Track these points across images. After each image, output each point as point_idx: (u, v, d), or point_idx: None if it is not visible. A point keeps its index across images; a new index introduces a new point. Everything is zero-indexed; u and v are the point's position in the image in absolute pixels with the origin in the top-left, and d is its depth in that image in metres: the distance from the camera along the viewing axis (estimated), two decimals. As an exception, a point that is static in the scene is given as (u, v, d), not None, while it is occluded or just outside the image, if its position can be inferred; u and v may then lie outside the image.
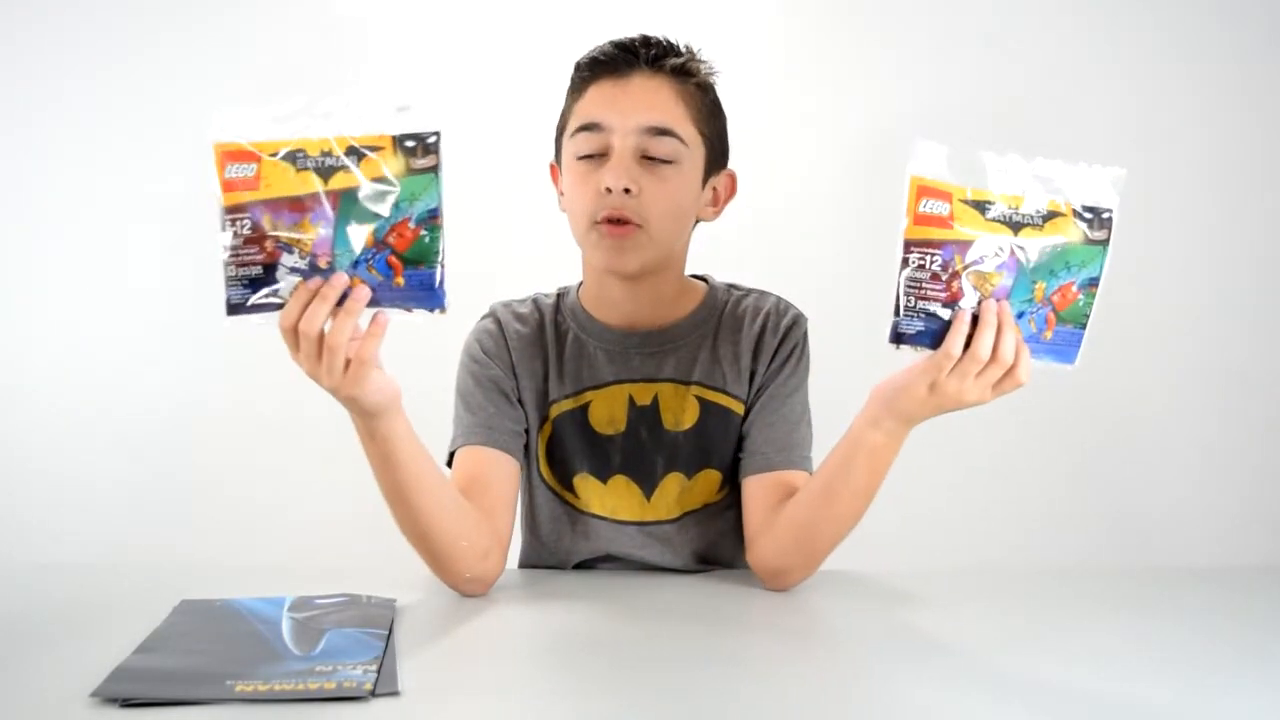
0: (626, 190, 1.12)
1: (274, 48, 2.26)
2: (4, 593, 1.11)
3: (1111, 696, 0.83)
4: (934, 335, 0.95)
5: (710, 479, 1.22)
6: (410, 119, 0.88)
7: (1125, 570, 1.30)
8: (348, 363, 0.91)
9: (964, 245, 0.93)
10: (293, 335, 0.90)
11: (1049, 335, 0.96)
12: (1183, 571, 1.30)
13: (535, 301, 1.28)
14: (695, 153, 1.17)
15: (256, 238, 0.88)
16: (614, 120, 1.14)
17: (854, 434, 1.06)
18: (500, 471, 1.17)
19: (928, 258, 0.93)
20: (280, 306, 0.89)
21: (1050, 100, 2.30)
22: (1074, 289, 0.95)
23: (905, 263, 0.93)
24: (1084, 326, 0.96)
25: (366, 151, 0.88)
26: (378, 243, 0.89)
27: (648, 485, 1.22)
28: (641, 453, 1.21)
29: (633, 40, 1.17)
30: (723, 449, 1.22)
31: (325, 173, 0.88)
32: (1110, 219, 0.94)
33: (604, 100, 1.15)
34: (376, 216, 0.88)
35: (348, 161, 0.88)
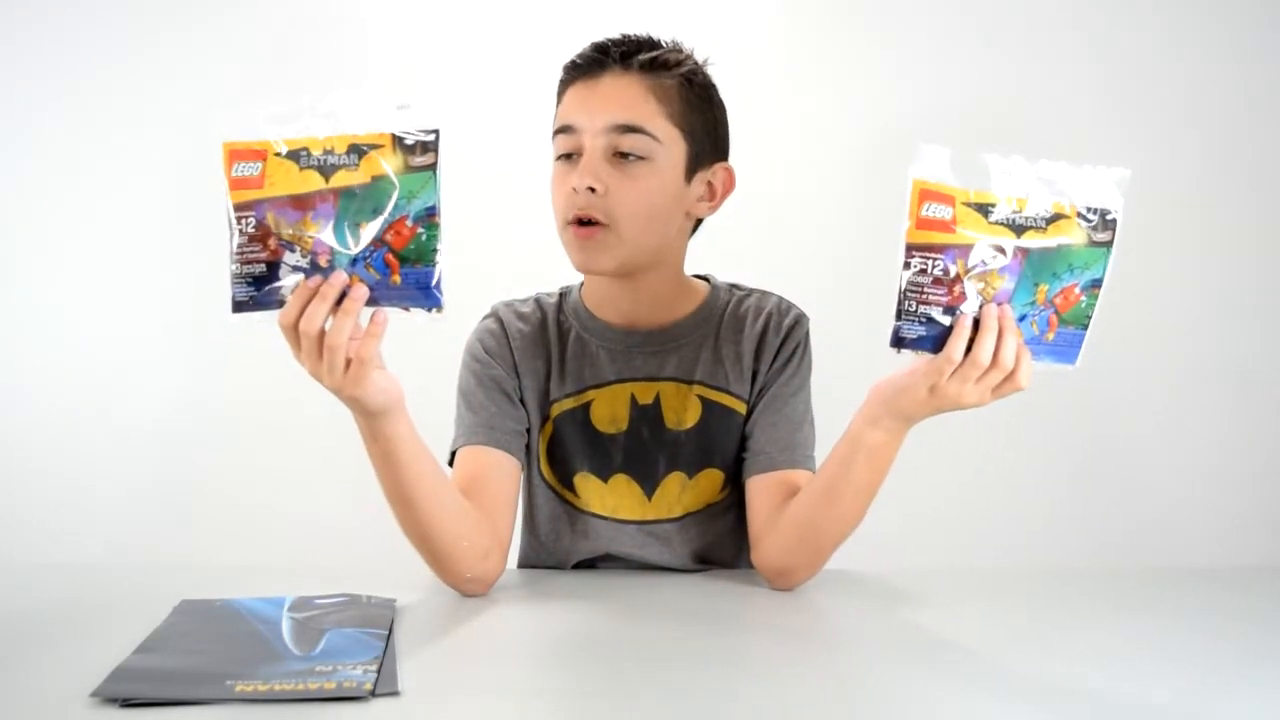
0: (592, 190, 1.12)
1: (274, 48, 2.26)
2: (4, 593, 1.11)
3: (1112, 696, 0.83)
4: (935, 340, 0.95)
5: (712, 479, 1.22)
6: (409, 117, 0.88)
7: (1125, 570, 1.30)
8: (348, 362, 0.91)
9: (966, 249, 0.93)
10: (294, 334, 0.90)
11: (1051, 337, 0.96)
12: (1183, 571, 1.30)
13: (538, 301, 1.28)
14: (672, 148, 1.16)
15: (260, 235, 0.89)
16: (584, 121, 1.14)
17: (853, 433, 1.06)
18: (501, 471, 1.17)
19: (930, 262, 0.93)
20: (283, 304, 0.90)
21: (1050, 100, 2.30)
22: (1077, 290, 0.95)
23: (907, 266, 0.93)
24: (1086, 327, 0.96)
25: (367, 149, 0.88)
26: (375, 240, 0.89)
27: (649, 484, 1.22)
28: (643, 452, 1.21)
29: (609, 40, 1.18)
30: (725, 449, 1.22)
31: (327, 170, 0.88)
32: (1114, 220, 0.94)
33: (577, 102, 1.16)
34: (375, 214, 0.88)
35: (348, 159, 0.88)
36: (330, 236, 0.89)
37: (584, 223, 1.13)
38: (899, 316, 0.94)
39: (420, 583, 1.10)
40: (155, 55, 2.27)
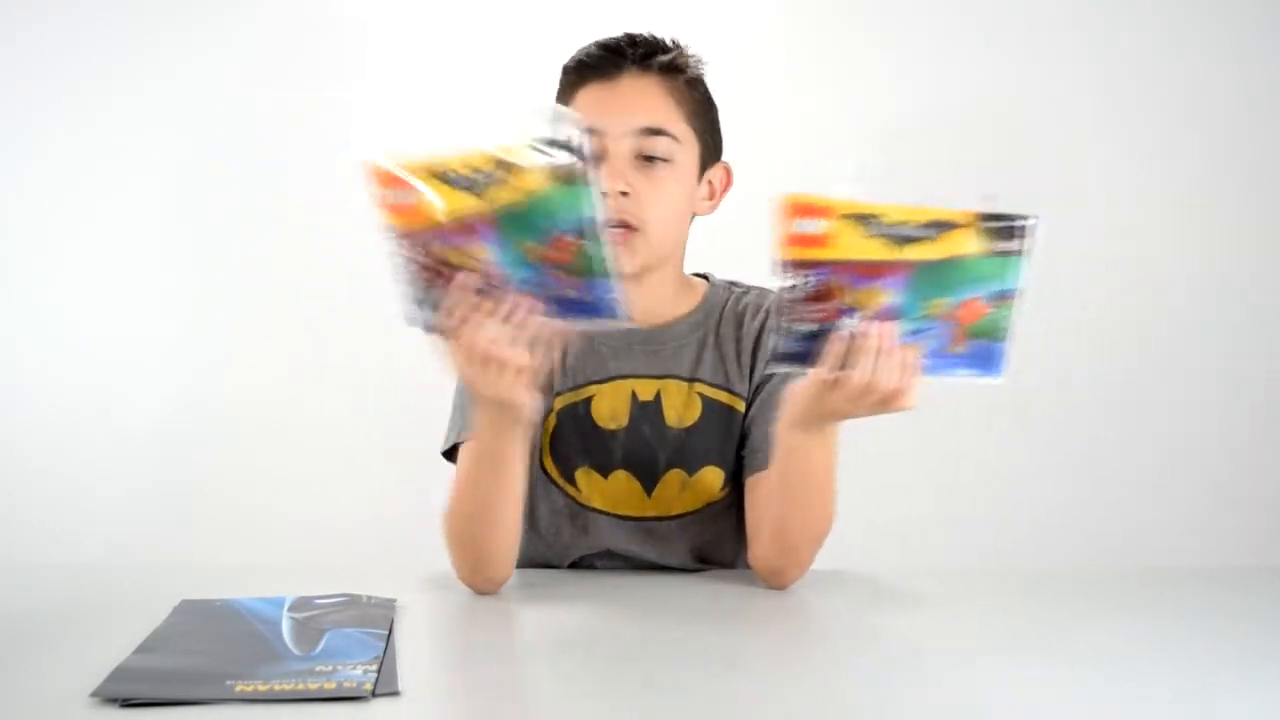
0: (623, 194, 1.12)
1: (274, 48, 2.26)
2: (4, 593, 1.11)
3: (1112, 696, 0.83)
4: (808, 357, 0.94)
5: (712, 477, 1.22)
6: (559, 128, 0.86)
7: (1125, 570, 1.30)
8: (510, 371, 0.94)
9: (842, 264, 0.90)
10: (460, 347, 0.94)
11: (960, 350, 0.94)
12: (1183, 571, 1.30)
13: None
14: (689, 149, 1.17)
15: (432, 265, 0.92)
16: (606, 123, 1.13)
17: (779, 435, 1.07)
18: None
19: (802, 279, 0.91)
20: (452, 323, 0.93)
21: (1050, 100, 2.30)
22: (981, 303, 0.92)
23: (782, 283, 0.91)
24: (1003, 339, 0.94)
25: (514, 164, 0.87)
26: (541, 254, 0.90)
27: (649, 481, 1.22)
28: (643, 448, 1.22)
29: (618, 40, 1.18)
30: (725, 447, 1.22)
31: (480, 189, 0.89)
32: (1024, 228, 0.90)
33: (594, 103, 1.16)
34: (535, 230, 0.89)
35: (499, 175, 0.88)
36: (497, 256, 0.91)
37: (617, 225, 1.13)
38: (776, 332, 0.94)
39: (420, 583, 1.10)
40: (155, 55, 2.27)
